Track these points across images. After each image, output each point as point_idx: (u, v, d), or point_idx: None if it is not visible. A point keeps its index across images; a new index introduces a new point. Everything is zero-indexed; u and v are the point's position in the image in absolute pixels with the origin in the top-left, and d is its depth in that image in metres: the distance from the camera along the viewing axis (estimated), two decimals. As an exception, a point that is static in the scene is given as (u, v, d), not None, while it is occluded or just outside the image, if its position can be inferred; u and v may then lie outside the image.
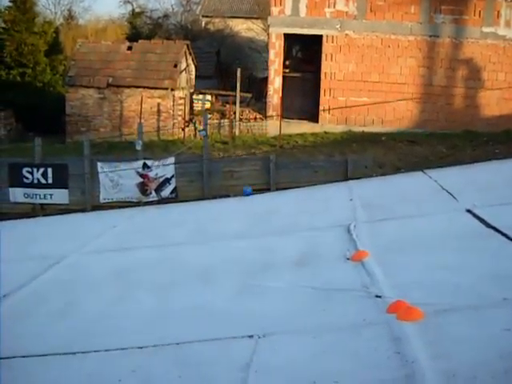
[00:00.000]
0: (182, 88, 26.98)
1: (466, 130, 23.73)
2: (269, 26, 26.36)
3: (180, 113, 26.19)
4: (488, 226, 10.59)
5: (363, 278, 8.58)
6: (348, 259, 9.65)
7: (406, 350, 6.20)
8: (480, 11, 24.95)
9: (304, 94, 25.70)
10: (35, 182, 18.93)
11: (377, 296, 7.82)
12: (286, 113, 24.32)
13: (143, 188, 18.77)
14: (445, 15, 25.01)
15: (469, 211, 11.70)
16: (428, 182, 15.61)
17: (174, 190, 18.79)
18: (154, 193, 18.76)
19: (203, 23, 44.54)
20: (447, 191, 13.90)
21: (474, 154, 20.06)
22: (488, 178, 15.61)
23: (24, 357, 7.56)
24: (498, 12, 25.03)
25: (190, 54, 28.46)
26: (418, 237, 10.69)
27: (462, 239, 10.12)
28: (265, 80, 27.12)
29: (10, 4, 33.95)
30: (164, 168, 18.76)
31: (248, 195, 18.15)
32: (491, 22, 25.00)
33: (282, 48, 25.40)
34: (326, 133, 24.09)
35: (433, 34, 24.92)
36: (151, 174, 18.75)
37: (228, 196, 18.36)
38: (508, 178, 15.28)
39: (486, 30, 24.95)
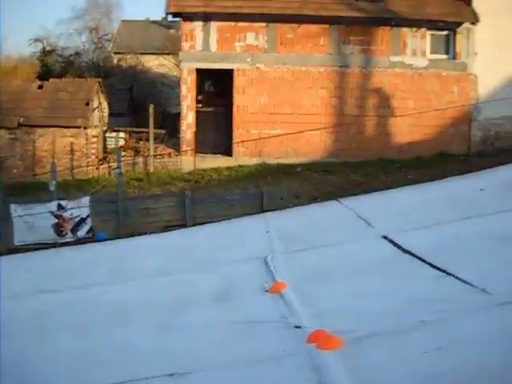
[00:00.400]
0: (95, 126, 26.76)
1: (379, 157, 24.18)
2: (180, 61, 26.44)
3: (93, 151, 25.94)
4: (404, 250, 10.77)
5: (282, 309, 8.57)
6: (266, 291, 9.63)
7: (327, 378, 6.18)
8: (387, 41, 25.60)
9: (217, 129, 25.82)
10: None
11: (296, 326, 7.80)
12: (200, 147, 24.35)
13: (59, 229, 18.41)
14: (353, 46, 25.57)
15: (385, 237, 11.87)
16: (343, 210, 15.79)
17: (90, 230, 18.51)
18: (69, 233, 18.43)
19: (115, 60, 44.41)
20: (363, 219, 14.08)
21: (387, 180, 20.43)
22: (401, 203, 15.91)
23: None
24: (404, 41, 25.75)
25: (103, 91, 28.29)
26: (336, 265, 10.77)
27: (379, 265, 10.25)
28: (178, 115, 27.11)
29: None
30: (79, 208, 18.48)
31: (101, 240, 18.06)
32: (398, 52, 25.67)
33: (195, 83, 25.47)
34: (240, 166, 24.19)
35: (342, 64, 25.40)
36: (66, 215, 18.43)
37: (145, 233, 18.18)
38: (421, 202, 15.60)
39: (394, 59, 25.60)
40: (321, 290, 9.28)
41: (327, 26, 25.64)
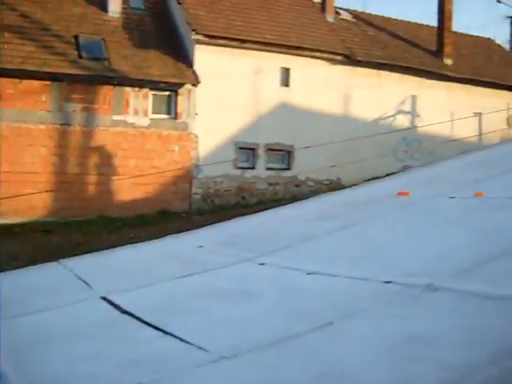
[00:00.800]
0: None
1: (102, 216, 24.19)
2: None
3: None
4: (123, 311, 10.74)
5: (-6, 382, 8.20)
6: (-22, 363, 9.15)
7: None
8: (110, 100, 25.91)
9: None
10: None
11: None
12: None
13: None
14: (75, 104, 25.63)
15: (104, 298, 11.79)
16: (63, 271, 15.46)
17: None
18: None
19: None
20: (82, 280, 13.88)
21: (109, 239, 20.42)
22: (122, 262, 15.92)
23: None
24: (127, 101, 26.24)
25: None
26: (55, 330, 10.50)
27: (99, 327, 10.14)
28: None
29: None
30: None
31: None
32: (121, 111, 26.11)
33: None
34: (-47, 228, 23.09)
35: (64, 122, 25.33)
36: None
37: None
38: (141, 261, 15.74)
39: (117, 118, 25.96)
40: (38, 358, 8.98)
41: (49, 82, 25.43)
